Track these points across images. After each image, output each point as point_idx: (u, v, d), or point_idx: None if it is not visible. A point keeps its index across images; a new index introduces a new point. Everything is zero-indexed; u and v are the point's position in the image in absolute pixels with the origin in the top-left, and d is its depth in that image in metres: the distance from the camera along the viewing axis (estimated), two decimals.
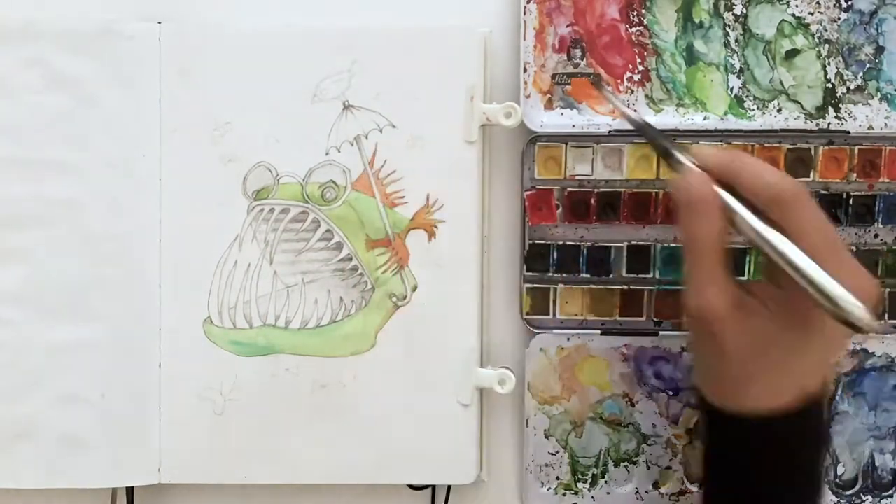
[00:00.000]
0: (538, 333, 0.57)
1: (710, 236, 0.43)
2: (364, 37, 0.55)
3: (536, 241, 0.57)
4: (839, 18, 0.55)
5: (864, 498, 0.58)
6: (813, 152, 0.56)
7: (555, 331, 0.57)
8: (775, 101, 0.56)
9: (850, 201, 0.56)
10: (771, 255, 0.42)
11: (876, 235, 0.57)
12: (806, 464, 0.46)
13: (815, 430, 0.47)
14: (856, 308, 0.40)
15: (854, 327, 0.40)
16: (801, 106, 0.56)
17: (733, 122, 0.56)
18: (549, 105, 0.56)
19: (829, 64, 0.56)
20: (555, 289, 0.57)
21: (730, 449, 0.47)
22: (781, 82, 0.56)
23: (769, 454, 0.45)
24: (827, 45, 0.56)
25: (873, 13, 0.55)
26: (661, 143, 0.48)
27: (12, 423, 0.56)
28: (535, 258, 0.57)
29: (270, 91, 0.55)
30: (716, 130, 0.56)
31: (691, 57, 0.56)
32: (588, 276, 0.57)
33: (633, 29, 0.56)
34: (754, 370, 0.44)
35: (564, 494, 0.58)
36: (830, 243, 0.42)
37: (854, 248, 0.56)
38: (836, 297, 0.40)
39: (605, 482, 0.58)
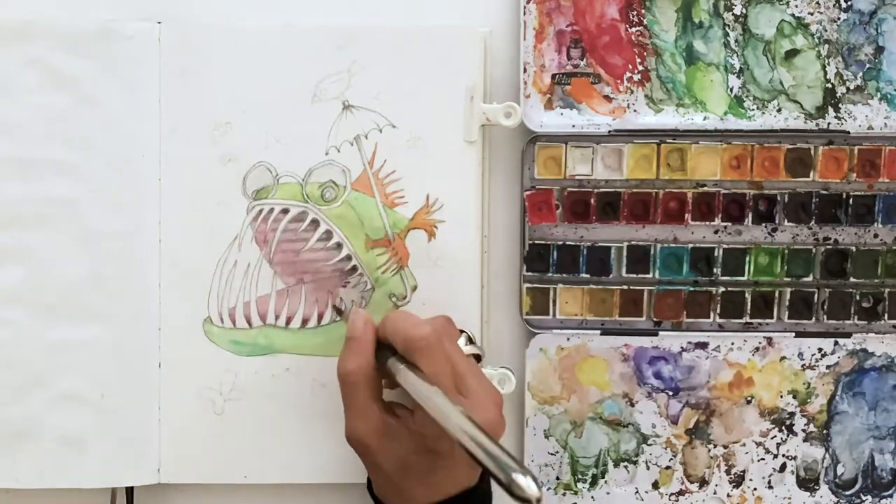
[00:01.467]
0: (538, 333, 0.57)
1: (360, 371, 0.49)
2: (364, 37, 0.55)
3: (536, 241, 0.57)
4: (839, 18, 0.56)
5: (863, 498, 0.58)
6: (813, 152, 0.56)
7: (554, 331, 0.57)
8: (775, 101, 0.56)
9: (850, 201, 0.56)
10: (429, 411, 0.45)
11: (876, 235, 0.57)
12: None
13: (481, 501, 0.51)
14: (523, 483, 0.38)
15: (523, 500, 0.38)
16: (801, 106, 0.56)
17: (733, 122, 0.56)
18: (548, 105, 0.56)
19: (828, 64, 0.56)
20: (554, 289, 0.57)
21: None
22: (781, 82, 0.56)
23: None
24: (827, 45, 0.56)
25: (873, 13, 0.56)
26: (337, 310, 0.54)
27: (12, 423, 0.56)
28: (535, 258, 0.57)
29: (270, 91, 0.55)
30: (716, 130, 0.56)
31: (691, 57, 0.56)
32: (588, 276, 0.57)
33: (633, 29, 0.56)
34: (406, 482, 0.49)
35: (564, 494, 0.58)
36: (460, 383, 0.48)
37: (854, 248, 0.56)
38: (505, 472, 0.39)
39: (605, 482, 0.58)
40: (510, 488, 0.38)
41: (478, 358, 0.54)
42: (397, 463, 0.49)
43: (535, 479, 0.38)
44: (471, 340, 0.54)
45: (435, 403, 0.44)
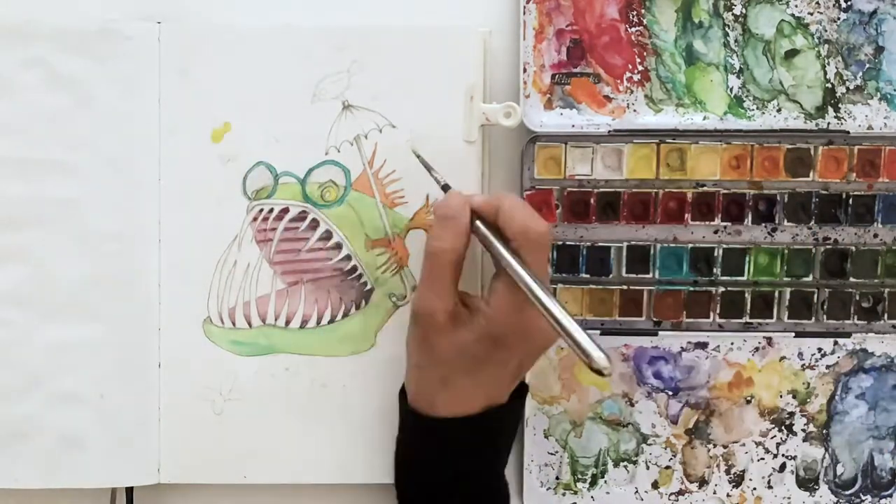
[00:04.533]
0: None
1: (450, 251, 0.49)
2: (363, 36, 0.55)
3: None
4: (839, 18, 0.56)
5: (863, 497, 0.58)
6: (812, 152, 0.56)
7: None
8: (775, 101, 0.56)
9: (850, 201, 0.56)
10: (518, 283, 0.47)
11: (875, 235, 0.57)
12: (485, 461, 0.51)
13: (496, 431, 0.52)
14: (600, 357, 0.44)
15: (597, 371, 0.44)
16: (801, 106, 0.56)
17: (733, 122, 0.56)
18: (548, 105, 0.56)
19: (828, 64, 0.56)
20: (554, 289, 0.57)
21: (419, 445, 0.52)
22: (781, 82, 0.56)
23: (451, 452, 0.50)
24: (826, 45, 0.56)
25: (873, 13, 0.56)
26: (436, 178, 0.53)
27: (12, 423, 0.56)
28: None
29: (270, 91, 0.55)
30: (715, 130, 0.56)
31: (691, 57, 0.56)
32: (587, 275, 0.57)
33: (633, 29, 0.56)
34: (450, 377, 0.49)
35: (564, 494, 0.58)
36: (546, 280, 0.50)
37: (854, 248, 0.56)
38: (582, 345, 0.45)
39: (605, 482, 0.58)
40: (588, 356, 0.44)
41: None
42: (456, 350, 0.49)
43: (608, 357, 0.44)
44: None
45: (530, 281, 0.47)
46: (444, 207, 0.50)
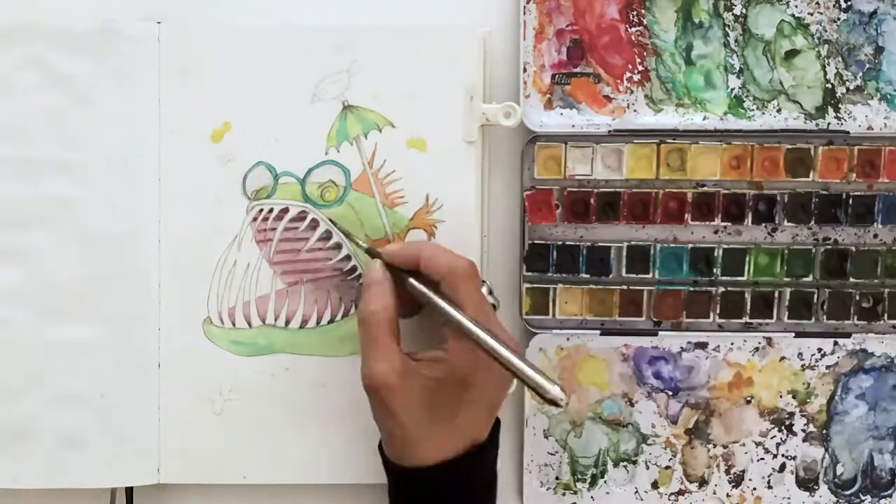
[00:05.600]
0: (537, 333, 0.57)
1: (384, 310, 0.50)
2: (363, 37, 0.55)
3: (536, 241, 0.57)
4: (839, 19, 0.56)
5: (863, 498, 0.58)
6: (812, 152, 0.56)
7: (554, 331, 0.57)
8: (775, 102, 0.56)
9: (850, 201, 0.56)
10: (456, 327, 0.48)
11: (875, 235, 0.57)
12: (477, 500, 0.51)
13: (485, 469, 0.51)
14: (552, 388, 0.45)
15: (552, 402, 0.45)
16: (801, 106, 0.56)
17: (733, 122, 0.56)
18: (548, 105, 0.56)
19: (828, 64, 0.56)
20: (554, 289, 0.57)
21: (409, 499, 0.51)
22: (781, 82, 0.56)
23: (442, 499, 0.50)
24: (826, 46, 0.56)
25: (873, 13, 0.56)
26: (357, 243, 0.55)
27: (12, 423, 0.56)
28: (535, 258, 0.57)
29: (270, 91, 0.55)
30: (715, 130, 0.56)
31: (691, 57, 0.56)
32: (587, 276, 0.57)
33: (633, 29, 0.56)
34: (424, 429, 0.49)
35: (563, 494, 0.58)
36: (489, 315, 0.50)
37: (854, 248, 0.56)
38: (535, 380, 0.45)
39: (605, 482, 0.58)
40: (543, 390, 0.45)
41: (494, 308, 0.54)
42: (419, 402, 0.49)
43: (562, 388, 0.45)
44: (490, 291, 0.55)
45: (469, 325, 0.47)
46: (367, 275, 0.52)
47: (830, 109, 0.56)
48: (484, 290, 0.53)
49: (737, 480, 0.58)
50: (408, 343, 0.50)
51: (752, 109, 0.56)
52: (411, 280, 0.51)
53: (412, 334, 0.52)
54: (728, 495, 0.58)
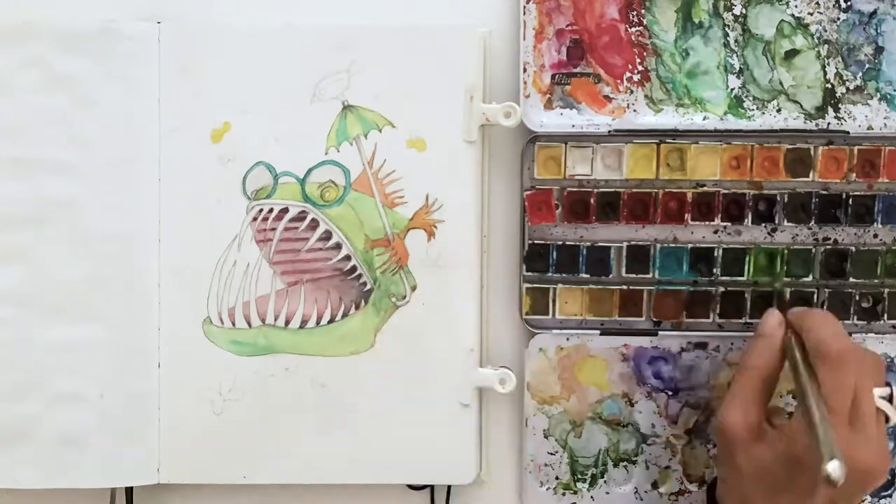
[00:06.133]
0: (537, 333, 0.57)
1: (761, 367, 0.50)
2: (363, 36, 0.55)
3: (536, 241, 0.57)
4: (838, 19, 0.56)
5: (863, 498, 0.58)
6: (812, 152, 0.56)
7: (554, 331, 0.57)
8: (775, 102, 0.56)
9: (850, 201, 0.56)
10: (799, 394, 0.47)
11: (875, 235, 0.57)
12: None
13: None
14: (833, 465, 0.42)
15: (827, 479, 0.43)
16: (801, 106, 0.56)
17: (733, 122, 0.56)
18: (548, 105, 0.56)
19: (828, 64, 0.56)
20: (554, 289, 0.57)
21: None
22: (781, 82, 0.56)
23: None
24: (826, 46, 0.56)
25: (872, 14, 0.56)
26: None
27: (12, 423, 0.56)
28: (535, 258, 0.57)
29: (270, 91, 0.55)
30: (715, 130, 0.56)
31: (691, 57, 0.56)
32: (587, 276, 0.57)
33: (633, 29, 0.56)
34: (749, 495, 0.49)
35: (563, 494, 0.58)
36: (854, 411, 0.47)
37: (853, 248, 0.56)
38: (824, 444, 0.43)
39: (605, 482, 0.58)
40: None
41: (886, 419, 0.49)
42: (756, 467, 0.48)
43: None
44: (890, 399, 0.49)
45: (814, 409, 0.45)
46: (764, 323, 0.51)
47: (830, 109, 0.56)
48: (879, 390, 0.49)
49: None
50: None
51: (752, 109, 0.56)
52: (790, 336, 0.50)
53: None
54: None
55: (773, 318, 0.51)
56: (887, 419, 0.49)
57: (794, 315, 0.51)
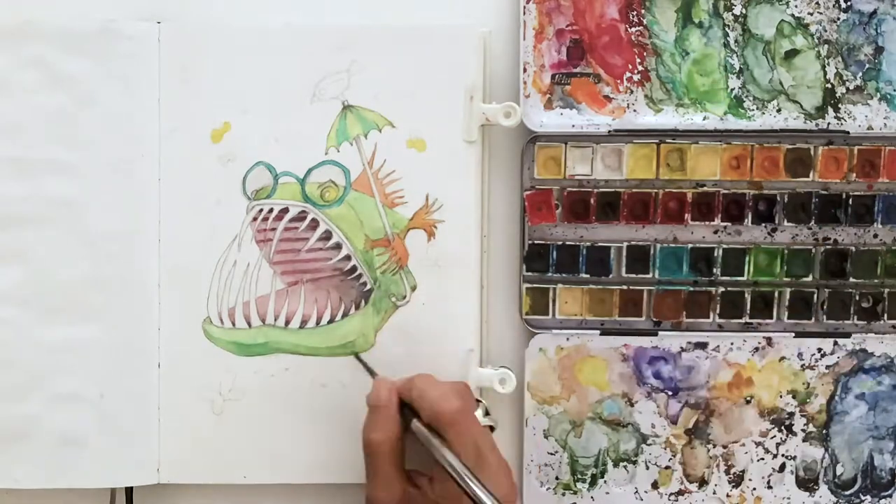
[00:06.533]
0: (537, 333, 0.57)
1: (386, 441, 0.50)
2: (363, 36, 0.55)
3: (536, 241, 0.57)
4: (838, 19, 0.56)
5: (862, 498, 0.58)
6: (812, 152, 0.56)
7: (554, 331, 0.57)
8: (775, 102, 0.56)
9: (850, 201, 0.56)
10: (440, 461, 0.48)
11: (875, 235, 0.57)
12: None
13: None
14: None
15: None
16: (801, 106, 0.56)
17: (733, 122, 0.56)
18: (548, 105, 0.56)
19: (828, 64, 0.56)
20: (554, 289, 0.57)
21: None
22: (781, 82, 0.56)
23: None
24: (826, 46, 0.56)
25: (872, 14, 0.56)
26: (366, 367, 0.55)
27: (11, 423, 0.56)
28: (535, 258, 0.57)
29: (270, 91, 0.55)
30: (715, 130, 0.56)
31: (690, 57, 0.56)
32: (587, 275, 0.57)
33: (633, 29, 0.56)
34: None
35: (563, 494, 0.58)
36: (480, 456, 0.49)
37: (853, 248, 0.56)
38: (487, 499, 0.46)
39: (605, 482, 0.58)
40: None
41: (491, 429, 0.54)
42: None
43: None
44: (487, 412, 0.54)
45: (462, 476, 0.47)
46: (373, 398, 0.51)
47: (830, 109, 0.56)
48: (479, 412, 0.53)
49: (737, 480, 0.58)
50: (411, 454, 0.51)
51: (752, 109, 0.56)
52: (408, 413, 0.51)
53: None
54: (728, 495, 0.58)
55: (382, 388, 0.51)
56: (492, 430, 0.54)
57: (399, 384, 0.52)
